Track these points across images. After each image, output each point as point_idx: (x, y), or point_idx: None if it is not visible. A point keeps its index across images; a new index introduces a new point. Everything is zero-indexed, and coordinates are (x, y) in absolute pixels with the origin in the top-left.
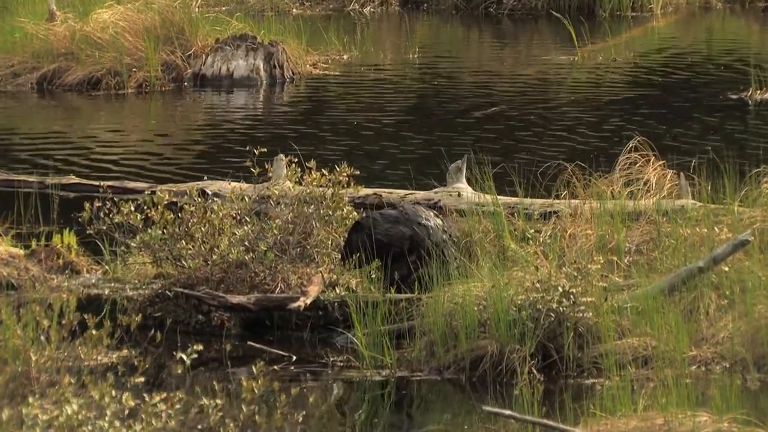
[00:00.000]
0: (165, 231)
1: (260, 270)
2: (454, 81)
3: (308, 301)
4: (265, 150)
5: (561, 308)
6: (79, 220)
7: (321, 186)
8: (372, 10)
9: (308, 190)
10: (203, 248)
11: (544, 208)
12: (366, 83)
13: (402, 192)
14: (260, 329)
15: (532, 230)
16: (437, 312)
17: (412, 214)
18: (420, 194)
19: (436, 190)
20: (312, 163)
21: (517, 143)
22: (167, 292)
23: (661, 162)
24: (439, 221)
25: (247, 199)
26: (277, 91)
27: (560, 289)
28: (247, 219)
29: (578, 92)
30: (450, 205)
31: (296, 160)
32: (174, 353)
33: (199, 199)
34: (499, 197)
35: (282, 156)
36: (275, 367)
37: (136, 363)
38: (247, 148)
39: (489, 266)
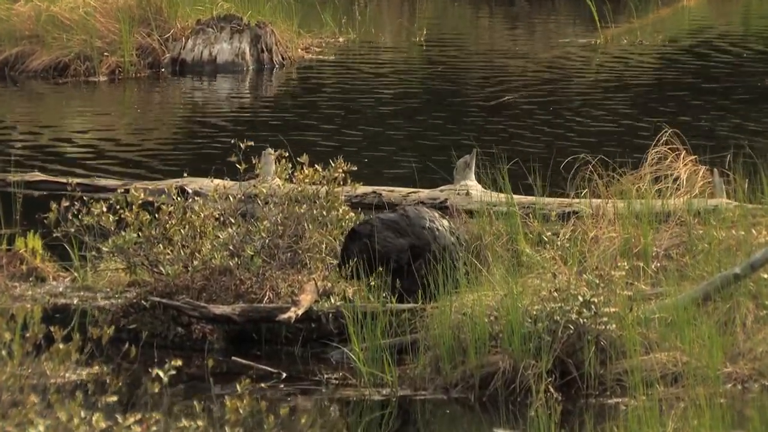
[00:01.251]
0: (140, 234)
1: (246, 277)
2: (463, 66)
3: (300, 312)
4: (252, 143)
5: (581, 320)
6: (45, 221)
7: (314, 183)
8: None
9: (300, 188)
10: (183, 253)
11: (563, 208)
12: (364, 69)
13: (404, 190)
14: (246, 343)
15: (549, 233)
16: (443, 324)
17: (415, 217)
18: (424, 193)
19: (442, 188)
20: (304, 158)
21: (532, 135)
22: (143, 301)
23: (692, 157)
24: (445, 223)
25: (231, 199)
26: (265, 77)
27: (580, 298)
28: (232, 220)
29: (600, 79)
30: (458, 205)
31: (286, 154)
32: (150, 370)
33: (179, 198)
34: (512, 196)
35: (270, 150)
36: (263, 385)
37: (107, 380)
38: (232, 142)
39: (501, 273)
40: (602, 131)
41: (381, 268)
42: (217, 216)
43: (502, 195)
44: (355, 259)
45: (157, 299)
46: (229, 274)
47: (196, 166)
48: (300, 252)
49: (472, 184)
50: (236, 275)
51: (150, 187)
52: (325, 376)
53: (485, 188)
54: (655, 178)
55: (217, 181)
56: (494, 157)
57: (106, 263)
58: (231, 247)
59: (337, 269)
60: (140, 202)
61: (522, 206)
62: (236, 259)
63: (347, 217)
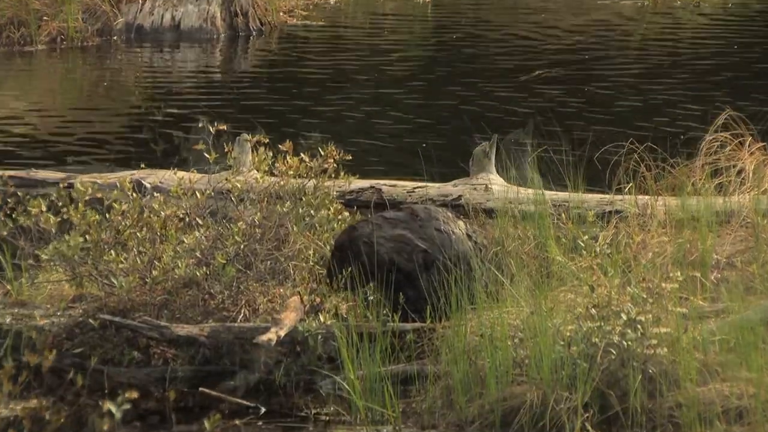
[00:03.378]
0: (87, 238)
1: (217, 291)
2: (482, 34)
3: (282, 333)
4: (224, 127)
5: (625, 342)
6: None
7: (299, 176)
8: None
9: (282, 182)
10: (139, 261)
11: (603, 207)
12: (360, 37)
13: (409, 184)
14: (217, 370)
15: (586, 236)
16: (457, 348)
17: (426, 217)
18: (434, 187)
19: (455, 182)
20: (287, 146)
21: (566, 118)
22: (91, 320)
23: (760, 144)
24: (461, 225)
25: (199, 195)
26: (239, 47)
27: (624, 316)
28: (200, 221)
29: (648, 49)
30: (475, 203)
31: (266, 141)
32: (100, 403)
33: (135, 195)
34: (541, 191)
35: (246, 136)
36: (237, 421)
37: (47, 416)
38: (200, 125)
39: (527, 285)
40: (649, 112)
41: (377, 281)
42: (181, 216)
43: (529, 190)
44: (350, 269)
45: (109, 317)
46: (195, 287)
47: (156, 155)
48: (282, 260)
49: (492, 178)
50: (204, 288)
51: (99, 181)
52: (313, 410)
53: (508, 182)
54: (715, 170)
55: (181, 173)
56: (519, 145)
57: (45, 273)
58: (198, 254)
59: (327, 280)
60: (87, 198)
61: (553, 204)
62: (204, 268)
63: (340, 217)
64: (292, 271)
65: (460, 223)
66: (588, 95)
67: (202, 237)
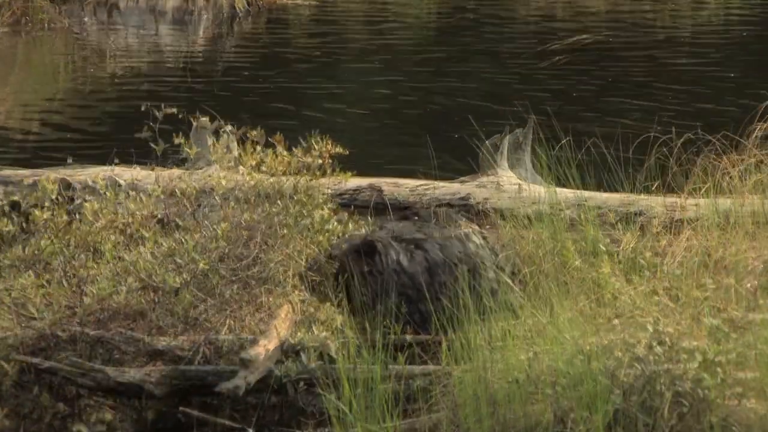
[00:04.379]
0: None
1: (169, 321)
2: (500, 14)
3: (252, 379)
4: (175, 111)
5: (651, 357)
6: None
7: (286, 174)
8: None
9: (267, 180)
10: (66, 285)
11: (626, 207)
12: (358, 16)
13: (412, 182)
14: (171, 429)
15: (608, 240)
16: (480, 396)
17: (435, 229)
18: (440, 186)
19: (464, 179)
20: (278, 138)
21: (591, 106)
22: (2, 362)
23: None
24: (477, 240)
25: (145, 198)
26: (224, 28)
27: (650, 327)
28: (145, 233)
29: (686, 27)
30: (486, 203)
31: (253, 133)
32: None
33: (60, 199)
34: (560, 190)
35: (205, 121)
36: None
37: None
38: (173, 111)
39: (571, 316)
40: (687, 99)
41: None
42: (121, 227)
43: (546, 188)
44: (377, 303)
45: (25, 358)
46: (141, 318)
47: (88, 148)
48: (256, 278)
49: (505, 174)
50: (152, 320)
51: (14, 181)
52: None
53: (522, 180)
54: (758, 162)
55: (120, 170)
56: (537, 136)
57: None
58: (143, 275)
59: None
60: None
61: (572, 204)
62: (153, 294)
63: (333, 220)
64: (266, 296)
65: (477, 237)
66: (617, 79)
67: (149, 251)
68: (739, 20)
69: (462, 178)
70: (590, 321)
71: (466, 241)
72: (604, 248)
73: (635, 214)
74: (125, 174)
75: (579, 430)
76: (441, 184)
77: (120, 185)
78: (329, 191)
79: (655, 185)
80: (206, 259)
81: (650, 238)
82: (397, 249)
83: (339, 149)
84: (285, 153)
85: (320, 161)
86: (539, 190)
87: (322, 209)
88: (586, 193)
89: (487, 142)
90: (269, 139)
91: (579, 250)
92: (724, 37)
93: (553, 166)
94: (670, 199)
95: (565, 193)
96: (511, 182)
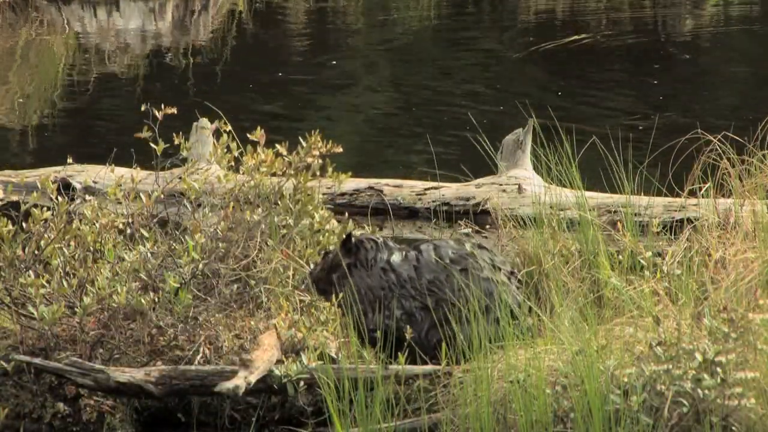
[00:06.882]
0: None
1: (168, 322)
2: (498, 13)
3: (252, 379)
4: (175, 111)
5: (701, 390)
6: None
7: (275, 174)
8: None
9: (252, 182)
10: (66, 285)
11: (671, 214)
12: (359, 15)
13: (418, 185)
14: (167, 427)
15: (649, 252)
16: (481, 397)
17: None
18: (450, 189)
19: (478, 181)
20: (257, 134)
21: (620, 98)
22: (2, 362)
23: None
24: (506, 282)
25: (144, 198)
26: (195, 7)
27: (699, 356)
28: (145, 233)
29: (719, 13)
30: (503, 209)
31: (228, 128)
32: None
33: (60, 198)
34: (589, 194)
35: (206, 121)
36: None
37: None
38: (143, 108)
39: (572, 316)
40: (725, 93)
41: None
42: (121, 226)
43: (572, 192)
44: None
45: (26, 359)
46: (141, 319)
47: (87, 147)
48: (252, 283)
49: (526, 176)
50: (152, 320)
51: (14, 180)
52: None
53: (547, 182)
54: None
55: (120, 171)
56: (560, 133)
57: None
58: (144, 276)
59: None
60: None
61: (605, 210)
62: (152, 294)
63: (327, 227)
64: (265, 298)
65: (507, 281)
66: (645, 67)
67: (148, 253)
68: (739, 20)
69: (476, 181)
70: (628, 348)
71: (464, 241)
72: (644, 262)
73: (683, 221)
74: (124, 173)
75: (579, 430)
76: (452, 186)
77: (119, 185)
78: (323, 196)
79: (704, 189)
80: (208, 257)
81: (699, 250)
82: (392, 248)
83: (333, 147)
84: (284, 152)
85: (309, 160)
86: (565, 193)
87: (313, 216)
88: (626, 196)
89: (506, 137)
90: (247, 135)
91: (615, 264)
92: (724, 37)
93: (560, 167)
94: (723, 203)
95: (599, 197)
96: (534, 184)
